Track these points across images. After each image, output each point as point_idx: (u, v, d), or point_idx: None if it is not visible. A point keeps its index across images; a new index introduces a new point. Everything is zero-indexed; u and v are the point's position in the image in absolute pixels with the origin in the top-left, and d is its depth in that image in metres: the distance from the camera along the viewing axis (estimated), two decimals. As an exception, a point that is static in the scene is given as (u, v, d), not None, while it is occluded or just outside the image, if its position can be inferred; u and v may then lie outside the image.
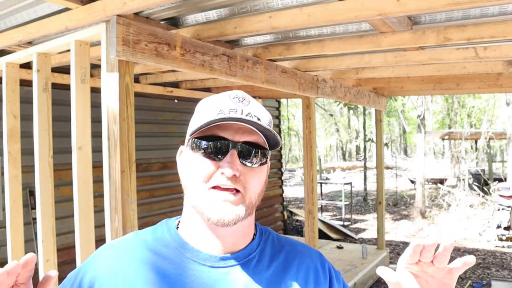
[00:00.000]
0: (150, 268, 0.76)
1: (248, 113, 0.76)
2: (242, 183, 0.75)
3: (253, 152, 0.77)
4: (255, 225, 0.89)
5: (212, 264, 0.78)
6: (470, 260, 0.64)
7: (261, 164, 0.79)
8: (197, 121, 0.78)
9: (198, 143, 0.77)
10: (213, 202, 0.74)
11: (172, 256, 0.78)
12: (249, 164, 0.76)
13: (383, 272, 0.67)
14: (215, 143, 0.76)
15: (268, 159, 0.81)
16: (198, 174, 0.76)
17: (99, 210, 2.25)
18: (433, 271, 0.67)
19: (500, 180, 11.68)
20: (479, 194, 11.50)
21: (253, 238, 0.85)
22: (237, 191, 0.75)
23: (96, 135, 2.27)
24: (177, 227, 0.84)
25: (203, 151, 0.76)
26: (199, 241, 0.79)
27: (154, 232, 0.83)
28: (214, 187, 0.75)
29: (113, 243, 0.83)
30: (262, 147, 0.78)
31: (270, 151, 0.81)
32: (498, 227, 7.61)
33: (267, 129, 0.75)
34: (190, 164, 0.78)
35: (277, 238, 0.90)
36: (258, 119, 0.77)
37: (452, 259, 0.64)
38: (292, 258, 0.87)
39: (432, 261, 0.66)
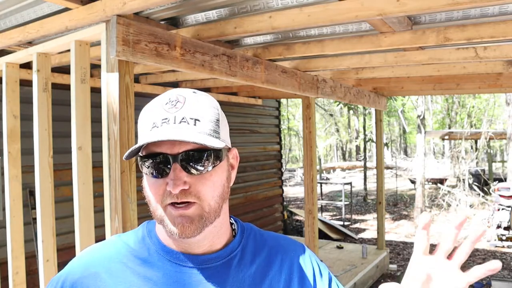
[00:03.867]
0: (132, 272, 0.76)
1: (182, 118, 0.71)
2: (193, 194, 0.71)
3: (198, 158, 0.71)
4: (236, 221, 0.88)
5: (193, 265, 0.77)
6: (495, 266, 0.57)
7: (214, 167, 0.73)
8: (138, 139, 0.76)
9: (141, 163, 0.74)
10: (171, 219, 0.72)
11: (153, 260, 0.78)
12: (196, 172, 0.71)
13: None
14: (154, 161, 0.72)
15: (221, 159, 0.75)
16: (152, 195, 0.74)
17: (99, 210, 2.25)
18: (446, 272, 0.60)
19: (500, 180, 11.68)
20: (479, 194, 11.50)
21: (234, 236, 0.84)
22: (192, 203, 0.72)
23: (96, 135, 2.27)
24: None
25: (148, 170, 0.73)
26: (177, 244, 0.78)
27: (136, 235, 0.83)
28: (169, 204, 0.72)
29: (95, 247, 0.82)
30: (208, 149, 0.72)
31: (222, 150, 0.75)
32: (498, 227, 7.61)
33: (201, 137, 0.70)
34: (144, 183, 0.77)
35: (259, 234, 0.89)
36: (197, 120, 0.72)
37: None
38: (275, 253, 0.86)
39: (450, 255, 0.60)
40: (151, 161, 0.72)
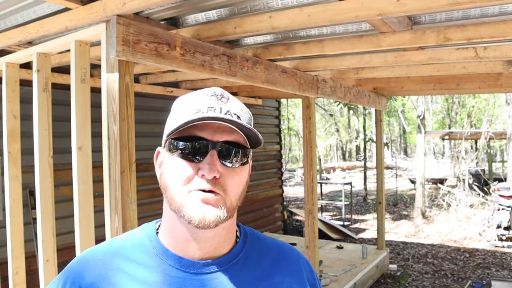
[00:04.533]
0: (130, 276, 0.74)
1: (227, 111, 0.73)
2: (221, 185, 0.72)
3: (234, 152, 0.73)
4: (239, 226, 0.87)
5: (194, 270, 0.75)
6: None
7: (242, 164, 0.75)
8: (174, 121, 0.75)
9: (175, 144, 0.73)
10: (193, 204, 0.71)
11: (153, 264, 0.75)
12: (230, 165, 0.73)
13: None
14: (193, 144, 0.72)
15: (249, 159, 0.78)
16: (177, 177, 0.73)
17: (99, 210, 2.25)
18: None
19: (500, 180, 11.68)
20: (479, 194, 11.50)
21: (237, 242, 0.83)
22: (217, 193, 0.72)
23: (96, 135, 2.27)
24: (157, 232, 0.81)
25: (181, 152, 0.73)
26: (180, 247, 0.76)
27: (133, 238, 0.80)
28: (193, 190, 0.72)
29: (94, 250, 0.80)
30: (243, 146, 0.75)
31: (251, 150, 0.78)
32: (498, 227, 7.61)
33: (247, 127, 0.72)
34: (169, 166, 0.75)
35: (263, 240, 0.88)
36: (238, 117, 0.74)
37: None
38: (279, 262, 0.85)
39: None
40: (188, 143, 0.72)
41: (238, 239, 0.83)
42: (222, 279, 0.76)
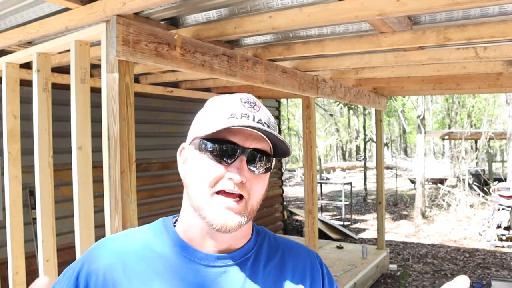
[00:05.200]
0: (146, 265, 0.76)
1: (259, 120, 0.76)
2: (247, 189, 0.75)
3: (260, 159, 0.77)
4: (252, 225, 0.88)
5: (208, 263, 0.78)
6: None
7: (266, 171, 0.79)
8: (207, 122, 0.77)
9: (206, 144, 0.75)
10: (216, 208, 0.74)
11: (169, 254, 0.78)
12: (256, 171, 0.76)
13: None
14: (225, 147, 0.74)
15: (272, 166, 0.81)
16: (205, 176, 0.75)
17: (99, 210, 2.25)
18: None
19: (500, 180, 11.67)
20: (479, 194, 11.50)
21: (250, 238, 0.85)
22: (241, 197, 0.75)
23: (96, 135, 2.27)
24: (174, 226, 0.84)
25: (211, 153, 0.75)
26: (196, 241, 0.79)
27: (152, 230, 0.83)
28: (218, 192, 0.74)
29: (111, 238, 0.83)
30: (269, 154, 0.79)
31: (274, 159, 0.81)
32: (498, 227, 7.61)
33: (279, 139, 0.75)
34: (196, 165, 0.77)
35: (274, 238, 0.90)
36: (268, 126, 0.77)
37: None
38: (288, 259, 0.87)
39: None
40: (220, 145, 0.74)
41: (251, 236, 0.86)
42: (234, 272, 0.79)
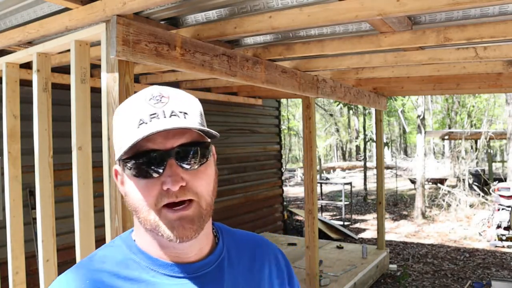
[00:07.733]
0: None
1: (172, 112, 0.68)
2: (192, 190, 0.68)
3: (192, 153, 0.69)
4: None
5: (188, 274, 0.74)
6: None
7: (206, 161, 0.72)
8: (120, 137, 0.70)
9: (130, 165, 0.68)
10: (169, 222, 0.68)
11: (146, 277, 0.72)
12: (191, 167, 0.69)
13: None
14: (148, 159, 0.67)
15: (210, 153, 0.73)
16: (144, 199, 0.68)
17: (99, 210, 2.25)
18: None
19: (500, 180, 11.66)
20: (479, 194, 11.50)
21: (215, 236, 0.84)
22: (190, 200, 0.68)
23: (96, 135, 2.27)
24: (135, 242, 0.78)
25: (137, 172, 0.68)
26: (168, 255, 0.74)
27: (114, 255, 0.75)
28: (165, 206, 0.68)
29: (71, 272, 0.73)
30: (200, 142, 0.71)
31: (210, 143, 0.74)
32: (498, 227, 7.61)
33: (198, 127, 0.68)
34: (131, 189, 0.70)
35: (235, 234, 0.89)
36: (185, 113, 0.69)
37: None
38: (254, 248, 0.88)
39: None
40: (141, 160, 0.67)
41: (216, 236, 0.84)
42: (217, 275, 0.78)
